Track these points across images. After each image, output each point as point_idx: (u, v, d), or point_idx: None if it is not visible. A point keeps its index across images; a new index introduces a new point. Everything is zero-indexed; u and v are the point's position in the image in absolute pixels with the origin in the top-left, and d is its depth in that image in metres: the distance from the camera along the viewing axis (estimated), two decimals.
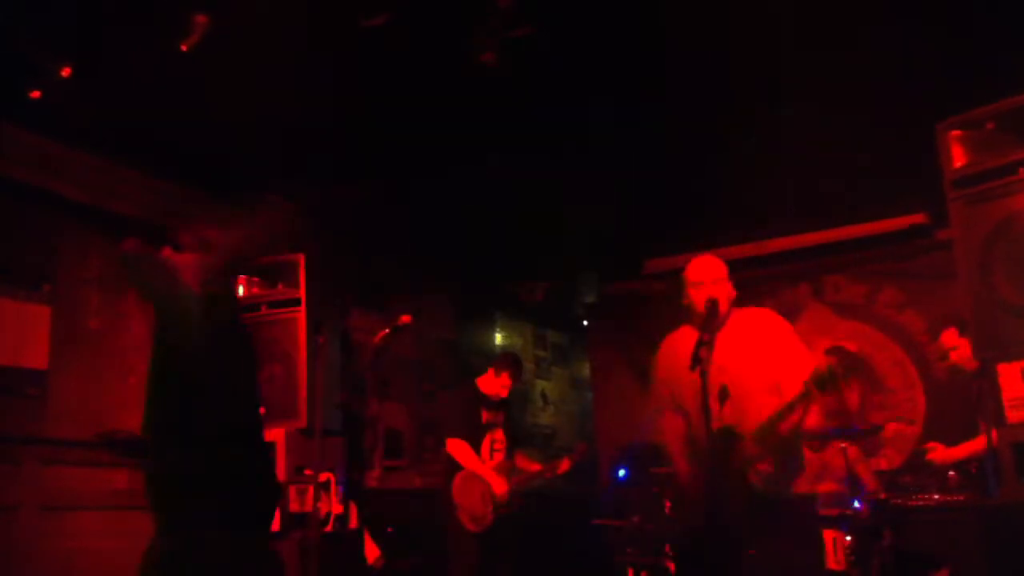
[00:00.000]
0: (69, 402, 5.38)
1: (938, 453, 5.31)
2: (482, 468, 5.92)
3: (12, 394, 5.09)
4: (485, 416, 6.09)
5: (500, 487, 5.87)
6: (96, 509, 5.41)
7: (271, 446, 5.06)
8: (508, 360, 6.26)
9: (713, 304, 4.06)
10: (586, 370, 9.84)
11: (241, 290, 5.71)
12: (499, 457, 6.06)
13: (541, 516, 6.90)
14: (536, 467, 6.27)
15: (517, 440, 6.32)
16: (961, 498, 5.06)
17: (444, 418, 6.44)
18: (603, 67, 5.30)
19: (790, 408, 3.87)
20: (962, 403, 5.48)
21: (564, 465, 6.23)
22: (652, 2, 4.79)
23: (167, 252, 3.52)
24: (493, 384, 6.14)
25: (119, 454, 5.60)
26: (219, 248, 3.57)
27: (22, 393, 5.14)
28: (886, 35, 4.99)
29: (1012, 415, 3.57)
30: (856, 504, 5.14)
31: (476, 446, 5.98)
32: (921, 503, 5.23)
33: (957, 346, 5.19)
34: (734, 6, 4.69)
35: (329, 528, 5.16)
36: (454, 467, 5.92)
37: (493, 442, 6.07)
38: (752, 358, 4.12)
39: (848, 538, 5.04)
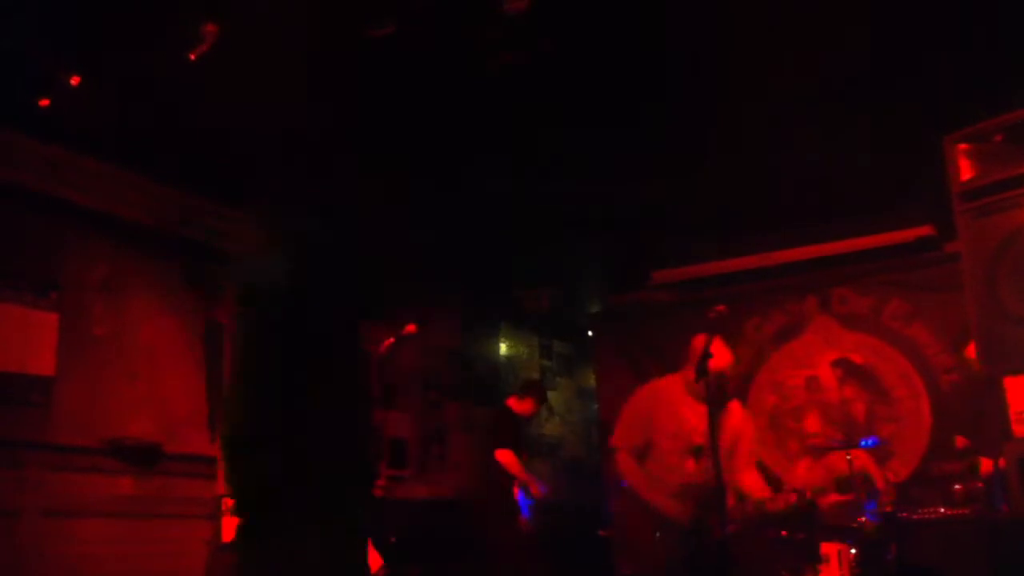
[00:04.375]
0: (75, 409, 5.38)
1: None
2: (526, 475, 6.48)
3: (18, 401, 5.09)
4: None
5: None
6: (101, 516, 5.41)
7: None
8: (533, 387, 7.01)
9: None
10: (591, 380, 9.80)
11: None
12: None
13: (547, 526, 6.91)
14: None
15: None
16: (967, 512, 5.03)
17: (491, 430, 6.86)
18: (607, 72, 5.29)
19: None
20: (969, 415, 5.44)
21: None
22: (656, 7, 4.78)
23: None
24: (520, 406, 6.80)
25: (125, 461, 5.60)
26: None
27: (28, 400, 5.14)
28: (894, 47, 4.98)
29: (1019, 429, 3.55)
30: (868, 511, 5.13)
31: None
32: (927, 516, 5.21)
33: None
34: (739, 17, 4.69)
35: None
36: (500, 475, 6.40)
37: (519, 455, 6.59)
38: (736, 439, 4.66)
39: (853, 551, 5.03)
